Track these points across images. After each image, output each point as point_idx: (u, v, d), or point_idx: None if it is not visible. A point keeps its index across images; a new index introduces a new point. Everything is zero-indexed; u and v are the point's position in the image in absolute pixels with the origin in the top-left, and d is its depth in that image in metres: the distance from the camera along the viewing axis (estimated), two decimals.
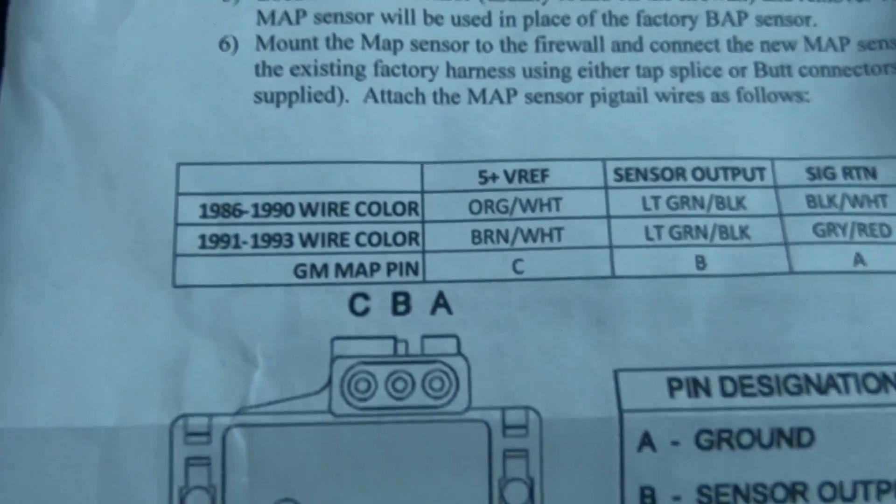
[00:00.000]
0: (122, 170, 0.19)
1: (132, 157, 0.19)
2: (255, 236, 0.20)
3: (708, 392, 0.19)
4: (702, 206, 0.20)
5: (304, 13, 0.21)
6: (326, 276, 0.20)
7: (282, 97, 0.20)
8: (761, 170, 0.21)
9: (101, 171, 0.19)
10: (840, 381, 0.19)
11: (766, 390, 0.19)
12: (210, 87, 0.20)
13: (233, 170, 0.20)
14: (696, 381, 0.19)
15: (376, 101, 0.20)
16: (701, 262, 0.20)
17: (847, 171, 0.21)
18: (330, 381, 0.19)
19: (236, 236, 0.20)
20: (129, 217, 0.19)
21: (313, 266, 0.20)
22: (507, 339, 0.19)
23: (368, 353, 0.19)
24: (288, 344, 0.19)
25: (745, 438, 0.19)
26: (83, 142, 0.19)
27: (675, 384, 0.19)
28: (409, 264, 0.20)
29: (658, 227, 0.20)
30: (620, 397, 0.19)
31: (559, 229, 0.20)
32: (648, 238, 0.20)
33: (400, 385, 0.19)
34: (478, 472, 0.18)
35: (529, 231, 0.20)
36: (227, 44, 0.21)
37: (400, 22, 0.21)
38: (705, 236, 0.20)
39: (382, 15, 0.21)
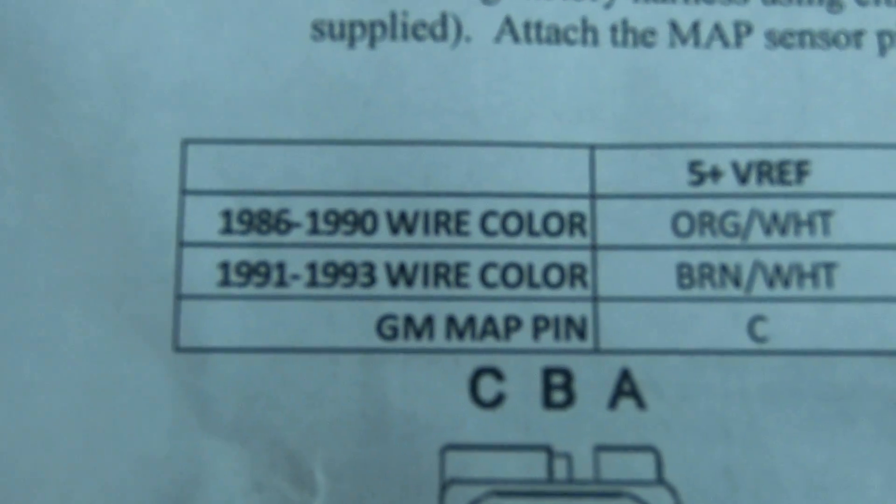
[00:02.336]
0: (95, 157, 0.12)
1: (110, 135, 0.12)
2: (312, 267, 0.12)
3: None
4: None
5: None
6: (431, 337, 0.12)
7: (358, 30, 0.13)
8: None
9: (61, 162, 0.12)
10: None
11: None
12: (237, 17, 0.12)
13: (274, 152, 0.12)
14: None
15: (516, 39, 0.12)
16: None
17: None
18: None
19: (281, 266, 0.12)
20: (102, 232, 0.12)
21: (409, 319, 0.12)
22: (743, 455, 0.11)
23: (505, 475, 0.12)
24: (368, 453, 0.11)
25: None
26: (30, 118, 0.12)
27: None
28: (570, 320, 0.12)
29: None
30: None
31: (829, 266, 0.12)
32: None
33: None
34: None
35: (778, 269, 0.12)
36: None
37: None
38: None
39: None
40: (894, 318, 0.12)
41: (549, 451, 0.12)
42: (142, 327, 0.12)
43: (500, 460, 0.12)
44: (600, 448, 0.12)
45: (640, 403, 0.12)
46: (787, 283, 0.12)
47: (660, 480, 0.11)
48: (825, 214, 0.12)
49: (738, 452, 0.12)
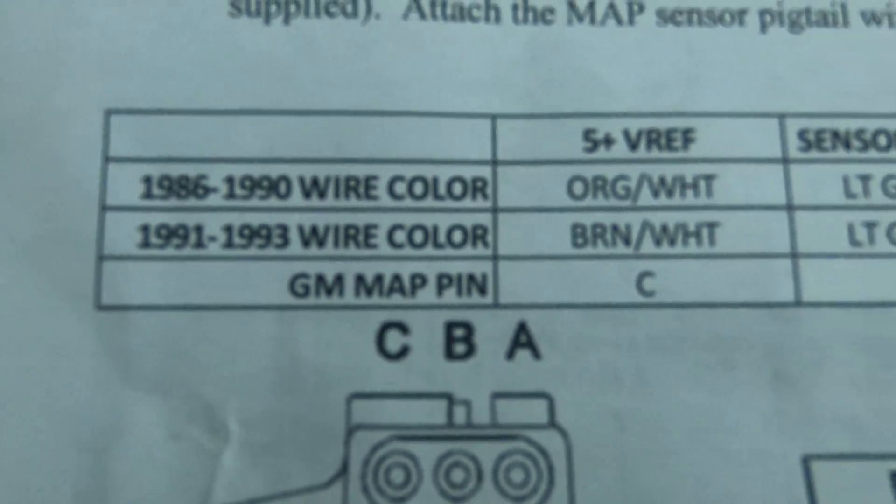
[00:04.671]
0: (22, 126, 0.12)
1: (37, 104, 0.12)
2: (228, 229, 0.13)
3: None
4: None
5: None
6: (341, 294, 0.13)
7: (274, 7, 0.13)
8: None
9: None
10: None
11: None
12: None
13: (194, 122, 0.13)
14: None
15: (422, 16, 0.13)
16: None
17: None
18: (345, 468, 0.12)
19: (199, 229, 0.13)
20: (27, 198, 0.12)
21: (320, 278, 0.13)
22: (631, 401, 0.12)
23: (407, 420, 0.12)
24: (280, 403, 0.12)
25: None
26: None
27: None
28: (472, 277, 0.13)
29: (869, 225, 0.13)
30: (816, 502, 0.12)
31: (712, 226, 0.13)
32: (854, 242, 0.13)
33: (458, 476, 0.12)
34: None
35: (665, 228, 0.13)
36: None
37: None
38: None
39: None
40: (772, 273, 0.13)
41: (449, 398, 0.12)
42: (65, 287, 0.12)
43: (403, 407, 0.12)
44: (497, 395, 0.12)
45: (536, 354, 0.13)
46: (672, 242, 0.13)
47: (552, 424, 0.12)
48: (708, 178, 0.13)
49: (626, 398, 0.12)
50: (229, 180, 0.13)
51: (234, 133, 0.13)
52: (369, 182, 0.13)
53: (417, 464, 0.12)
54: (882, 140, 0.13)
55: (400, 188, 0.13)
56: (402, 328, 0.13)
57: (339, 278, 0.13)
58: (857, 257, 0.13)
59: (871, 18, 0.14)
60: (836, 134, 0.13)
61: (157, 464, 0.12)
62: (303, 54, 0.13)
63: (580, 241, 0.13)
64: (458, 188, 0.13)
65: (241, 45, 0.13)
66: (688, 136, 0.13)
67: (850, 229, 0.13)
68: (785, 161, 0.13)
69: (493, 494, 0.12)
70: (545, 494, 0.12)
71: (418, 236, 0.13)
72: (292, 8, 0.13)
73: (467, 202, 0.13)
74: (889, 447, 0.12)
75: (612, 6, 0.14)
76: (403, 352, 0.12)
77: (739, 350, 0.12)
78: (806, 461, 0.12)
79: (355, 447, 0.12)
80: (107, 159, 0.13)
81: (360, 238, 0.13)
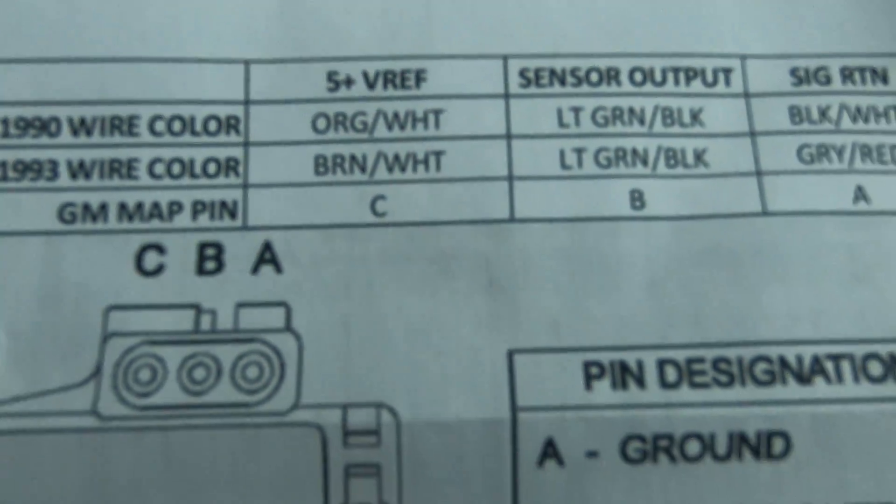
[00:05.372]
0: None
1: None
2: (2, 164, 0.14)
3: (641, 382, 0.14)
4: (641, 122, 0.15)
5: None
6: (105, 220, 0.14)
7: None
8: (727, 72, 0.15)
9: None
10: (830, 366, 0.14)
11: (723, 379, 0.14)
12: None
13: None
14: (624, 367, 0.14)
15: None
16: (638, 198, 0.14)
17: (847, 74, 0.15)
18: (98, 370, 0.13)
19: None
20: None
21: (86, 206, 0.14)
22: (360, 308, 0.14)
23: (158, 328, 0.14)
24: (44, 316, 0.13)
25: (693, 447, 0.13)
26: None
27: (594, 371, 0.14)
28: (223, 203, 0.14)
29: (578, 151, 0.15)
30: (516, 390, 0.14)
31: (438, 154, 0.15)
32: (564, 166, 0.15)
33: (199, 374, 0.14)
34: (309, 498, 0.13)
35: (397, 157, 0.15)
36: None
37: None
38: (645, 163, 0.15)
39: None
40: (489, 194, 0.14)
41: (197, 308, 0.14)
42: None
43: (155, 317, 0.14)
44: (241, 304, 0.14)
45: (278, 269, 0.14)
46: (403, 169, 0.14)
47: (288, 328, 0.14)
48: (437, 112, 0.15)
49: (355, 305, 0.14)
50: (4, 121, 0.14)
51: (8, 80, 0.14)
52: (132, 121, 0.14)
53: (164, 364, 0.13)
54: (594, 77, 0.15)
55: (160, 126, 0.14)
56: (160, 249, 0.14)
57: (104, 206, 0.14)
58: (566, 179, 0.14)
59: None
60: (553, 72, 0.15)
61: None
62: (69, 7, 0.15)
63: (321, 169, 0.14)
64: (213, 125, 0.14)
65: (13, 1, 0.15)
66: (420, 76, 0.15)
67: (562, 155, 0.15)
68: (506, 97, 0.15)
69: (229, 388, 0.13)
70: (275, 388, 0.13)
71: (176, 168, 0.14)
72: None
73: (221, 138, 0.14)
74: (583, 341, 0.14)
75: None
76: (159, 269, 0.14)
77: (458, 261, 0.14)
78: (511, 355, 0.14)
79: (109, 351, 0.13)
80: None
81: (124, 170, 0.14)
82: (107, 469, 0.13)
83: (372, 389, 0.13)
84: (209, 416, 0.13)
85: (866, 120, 0.15)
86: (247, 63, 0.15)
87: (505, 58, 0.15)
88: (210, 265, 0.14)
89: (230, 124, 0.15)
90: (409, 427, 0.13)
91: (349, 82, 0.15)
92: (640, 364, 0.14)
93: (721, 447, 0.13)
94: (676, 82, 0.15)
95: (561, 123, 0.15)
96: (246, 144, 0.15)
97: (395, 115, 0.15)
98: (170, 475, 0.13)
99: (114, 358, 0.13)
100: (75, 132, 0.14)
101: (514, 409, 0.13)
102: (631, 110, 0.15)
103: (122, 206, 0.14)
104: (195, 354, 0.14)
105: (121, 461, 0.13)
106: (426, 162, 0.15)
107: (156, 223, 0.14)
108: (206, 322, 0.14)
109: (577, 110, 0.15)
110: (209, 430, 0.13)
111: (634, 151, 0.15)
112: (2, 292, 0.14)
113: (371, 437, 0.13)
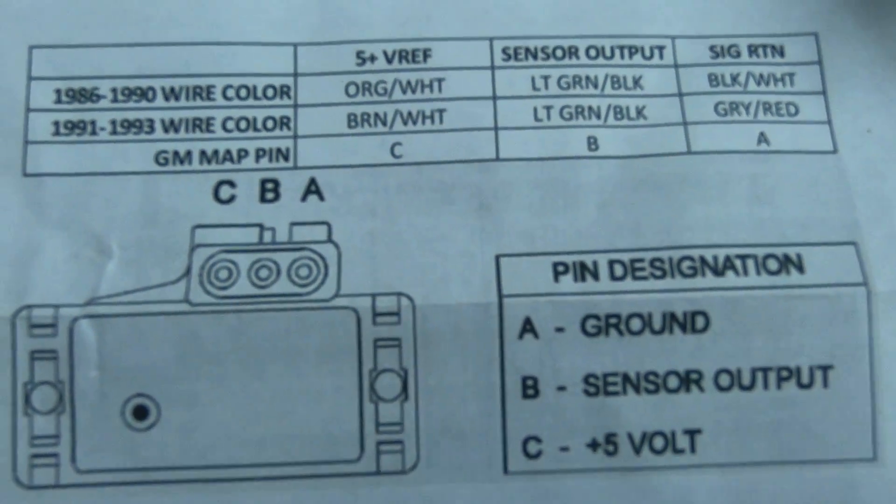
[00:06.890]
0: None
1: None
2: (113, 122, 0.18)
3: (596, 276, 0.18)
4: (595, 86, 0.19)
5: None
6: (190, 163, 0.18)
7: None
8: (661, 48, 0.20)
9: None
10: (738, 263, 0.18)
11: (658, 273, 0.18)
12: None
13: (89, 53, 0.19)
14: (583, 265, 0.18)
15: None
16: (593, 143, 0.19)
17: (753, 50, 0.20)
18: (189, 271, 0.18)
19: (93, 122, 0.18)
20: None
21: (176, 153, 0.18)
22: (382, 225, 0.18)
23: (231, 241, 0.18)
24: (146, 234, 0.18)
25: (635, 324, 0.18)
26: None
27: (560, 269, 0.18)
28: (279, 150, 0.18)
29: (547, 108, 0.19)
30: (501, 282, 0.18)
31: (441, 111, 0.19)
32: (537, 119, 0.19)
33: (264, 273, 0.18)
34: (347, 363, 0.17)
35: (409, 114, 0.19)
36: None
37: None
38: (598, 117, 0.19)
39: None
40: (480, 140, 0.18)
41: (261, 227, 0.18)
42: (2, 161, 0.18)
43: (229, 233, 0.18)
44: (293, 223, 0.18)
45: (321, 198, 0.18)
46: (415, 122, 0.19)
47: (329, 240, 0.18)
48: (440, 80, 0.19)
49: (379, 224, 0.18)
50: (113, 90, 0.19)
51: (115, 59, 0.19)
52: (209, 89, 0.19)
53: (237, 266, 0.17)
54: (559, 52, 0.19)
55: (230, 93, 0.19)
56: (231, 184, 0.18)
57: (189, 153, 0.18)
58: (538, 129, 0.19)
59: None
60: (527, 49, 0.19)
61: (61, 271, 0.17)
62: (160, 4, 0.19)
63: (353, 124, 0.19)
64: (270, 92, 0.19)
65: (120, 4, 0.19)
66: (426, 54, 0.19)
67: (535, 111, 0.19)
68: (492, 68, 0.19)
69: (286, 282, 0.17)
70: (321, 282, 0.17)
71: (243, 124, 0.19)
72: None
73: (276, 101, 0.19)
74: (552, 248, 0.18)
75: None
76: (231, 199, 0.18)
77: (456, 191, 0.18)
78: (497, 258, 0.18)
79: (196, 258, 0.18)
80: (31, 78, 0.18)
81: (203, 126, 0.18)
82: (195, 342, 0.17)
83: (393, 283, 0.17)
84: (271, 303, 0.17)
85: (767, 84, 0.19)
86: (295, 45, 0.19)
87: (491, 39, 0.19)
88: (269, 195, 0.18)
89: (283, 91, 0.19)
90: (421, 310, 0.17)
91: (372, 58, 0.19)
92: (595, 263, 0.18)
93: (657, 324, 0.17)
94: (622, 56, 0.19)
95: (534, 88, 0.19)
96: (295, 106, 0.19)
97: (408, 83, 0.19)
98: (241, 346, 0.17)
99: (199, 262, 0.18)
100: (167, 98, 0.19)
101: (501, 295, 0.17)
102: (587, 77, 0.19)
103: (203, 153, 0.18)
104: (260, 259, 0.18)
105: (206, 336, 0.17)
106: (432, 117, 0.19)
107: (228, 165, 0.18)
108: (267, 236, 0.18)
109: (546, 78, 0.19)
110: (272, 312, 0.17)
111: (590, 108, 0.19)
112: (115, 215, 0.18)
113: (393, 318, 0.17)
